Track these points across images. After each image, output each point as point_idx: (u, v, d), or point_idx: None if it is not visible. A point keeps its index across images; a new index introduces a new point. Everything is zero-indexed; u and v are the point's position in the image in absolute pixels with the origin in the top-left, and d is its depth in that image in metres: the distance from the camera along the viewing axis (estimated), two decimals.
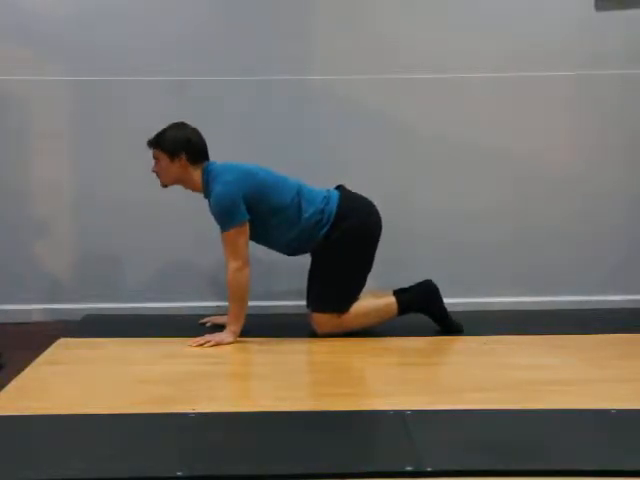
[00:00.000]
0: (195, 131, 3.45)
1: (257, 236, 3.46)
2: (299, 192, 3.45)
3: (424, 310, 3.53)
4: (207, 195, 3.44)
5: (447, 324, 3.53)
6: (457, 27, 3.97)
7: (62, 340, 3.42)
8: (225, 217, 3.34)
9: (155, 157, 3.44)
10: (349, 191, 3.56)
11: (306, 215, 3.42)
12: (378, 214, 3.53)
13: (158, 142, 3.42)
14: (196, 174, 3.43)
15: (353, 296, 3.48)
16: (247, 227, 3.37)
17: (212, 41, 3.94)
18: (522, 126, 4.02)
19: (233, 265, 3.35)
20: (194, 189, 3.48)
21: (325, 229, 3.42)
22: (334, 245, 3.43)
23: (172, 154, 3.39)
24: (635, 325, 3.65)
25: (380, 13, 3.97)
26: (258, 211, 3.38)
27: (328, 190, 3.52)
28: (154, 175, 3.46)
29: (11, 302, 3.97)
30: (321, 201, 3.45)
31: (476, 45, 3.97)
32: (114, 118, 3.94)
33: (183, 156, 3.40)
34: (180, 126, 3.44)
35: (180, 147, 3.39)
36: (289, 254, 3.57)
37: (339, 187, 3.57)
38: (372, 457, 2.22)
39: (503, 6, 3.98)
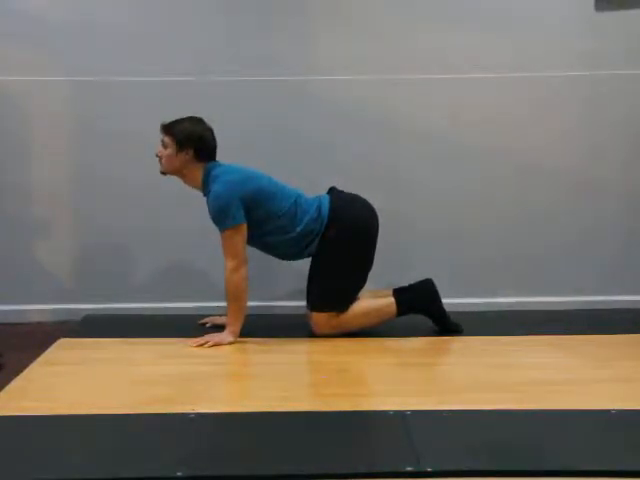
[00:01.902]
0: (210, 130, 3.46)
1: (253, 240, 3.46)
2: (296, 202, 3.46)
3: (424, 311, 3.53)
4: (206, 193, 3.44)
5: (446, 324, 3.53)
6: (457, 27, 3.96)
7: (62, 340, 3.42)
8: (222, 217, 3.34)
9: (163, 143, 3.43)
10: (341, 192, 3.56)
11: (301, 225, 3.42)
12: (373, 212, 3.53)
13: (171, 129, 3.41)
14: (198, 171, 3.43)
15: (352, 295, 3.48)
16: (244, 228, 3.37)
17: (212, 41, 3.94)
18: (523, 126, 4.01)
19: (230, 265, 3.35)
20: (193, 185, 3.48)
21: (319, 237, 3.43)
22: (332, 245, 3.43)
23: (181, 145, 3.39)
24: (635, 325, 3.65)
25: (380, 13, 3.97)
26: (254, 216, 3.39)
27: (319, 197, 3.52)
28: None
29: (11, 302, 3.97)
30: (314, 210, 3.45)
31: (477, 45, 3.96)
32: (114, 118, 3.94)
33: (191, 151, 3.40)
34: (197, 121, 3.45)
35: (191, 141, 3.39)
36: (285, 259, 3.58)
37: (331, 190, 3.57)
38: (372, 457, 2.21)
39: (503, 6, 3.98)
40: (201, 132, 3.43)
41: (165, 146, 3.42)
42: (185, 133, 3.39)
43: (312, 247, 3.46)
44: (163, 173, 3.48)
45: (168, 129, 3.42)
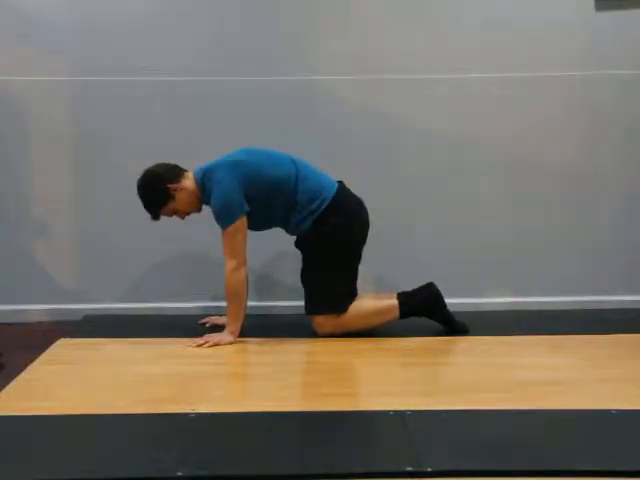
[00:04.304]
0: (150, 167, 3.44)
1: (261, 220, 3.43)
2: (297, 166, 3.43)
3: (426, 315, 3.53)
4: (207, 198, 3.43)
5: (452, 326, 3.52)
6: (457, 27, 3.97)
7: (62, 340, 3.42)
8: (224, 215, 3.33)
9: (170, 214, 3.46)
10: (346, 187, 3.55)
11: (302, 186, 3.39)
12: (367, 212, 3.52)
13: (154, 207, 3.42)
14: (190, 186, 3.43)
15: (345, 295, 3.46)
16: (245, 223, 3.36)
17: (212, 41, 3.94)
18: (522, 126, 4.02)
19: (230, 265, 3.34)
20: (203, 200, 3.45)
21: (315, 215, 3.40)
22: (321, 244, 3.42)
23: (167, 196, 3.40)
24: (636, 325, 3.65)
25: (380, 13, 3.97)
26: (258, 193, 3.36)
27: (330, 180, 3.50)
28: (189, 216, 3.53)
29: (11, 302, 3.97)
30: (319, 185, 3.43)
31: (476, 45, 3.97)
32: (114, 118, 3.94)
33: (170, 186, 3.39)
34: (142, 181, 3.43)
35: (161, 185, 3.39)
36: (280, 225, 3.52)
37: (339, 182, 3.57)
38: (372, 457, 2.21)
39: (503, 6, 3.98)
40: (152, 174, 3.42)
41: (173, 212, 3.46)
42: (155, 192, 3.39)
43: (304, 225, 3.42)
44: (199, 211, 3.51)
45: (155, 211, 3.42)
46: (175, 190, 3.41)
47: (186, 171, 3.47)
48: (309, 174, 3.45)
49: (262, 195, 3.37)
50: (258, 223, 3.46)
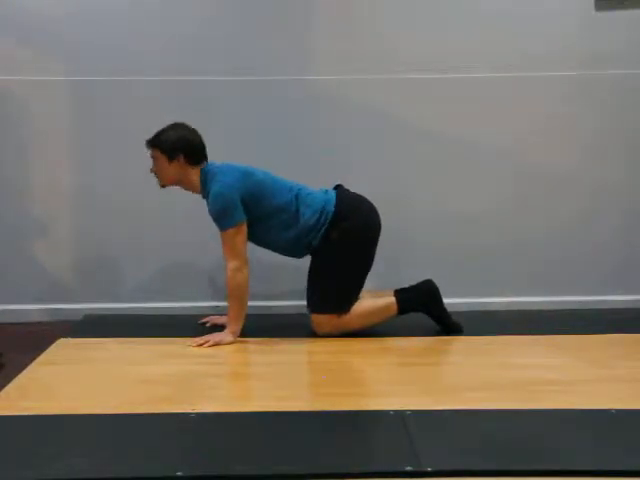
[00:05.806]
0: (194, 132, 3.43)
1: (255, 238, 3.46)
2: (297, 195, 3.45)
3: (424, 310, 3.53)
4: (205, 195, 3.43)
5: (447, 324, 3.52)
6: (457, 27, 3.97)
7: (62, 340, 3.42)
8: (222, 217, 3.34)
9: (153, 157, 3.42)
10: (347, 191, 3.55)
11: (304, 218, 3.41)
12: (377, 214, 3.53)
13: (157, 142, 3.39)
14: (194, 175, 3.42)
15: (352, 297, 3.47)
16: (245, 227, 3.36)
17: (212, 41, 3.94)
18: (522, 126, 4.02)
19: (232, 265, 3.34)
20: (192, 190, 3.47)
21: (322, 231, 3.41)
22: (333, 246, 3.42)
23: (171, 155, 3.37)
24: (635, 325, 3.65)
25: (380, 13, 3.97)
26: (256, 212, 3.38)
27: (326, 191, 3.51)
28: (153, 175, 3.45)
29: (11, 302, 3.98)
30: (319, 203, 3.43)
31: (476, 45, 3.97)
32: (114, 118, 3.94)
33: (181, 157, 3.38)
34: (179, 126, 3.42)
35: (179, 148, 3.37)
36: (287, 255, 3.57)
37: (337, 187, 3.57)
38: (372, 457, 2.22)
39: (503, 6, 3.98)
40: (186, 136, 3.40)
41: (156, 160, 3.41)
42: (171, 141, 3.37)
43: (314, 243, 3.45)
44: (163, 186, 3.47)
45: (153, 143, 3.39)
46: (178, 161, 3.39)
47: (207, 162, 3.45)
48: (310, 201, 3.44)
49: (256, 214, 3.37)
50: (263, 243, 3.50)
